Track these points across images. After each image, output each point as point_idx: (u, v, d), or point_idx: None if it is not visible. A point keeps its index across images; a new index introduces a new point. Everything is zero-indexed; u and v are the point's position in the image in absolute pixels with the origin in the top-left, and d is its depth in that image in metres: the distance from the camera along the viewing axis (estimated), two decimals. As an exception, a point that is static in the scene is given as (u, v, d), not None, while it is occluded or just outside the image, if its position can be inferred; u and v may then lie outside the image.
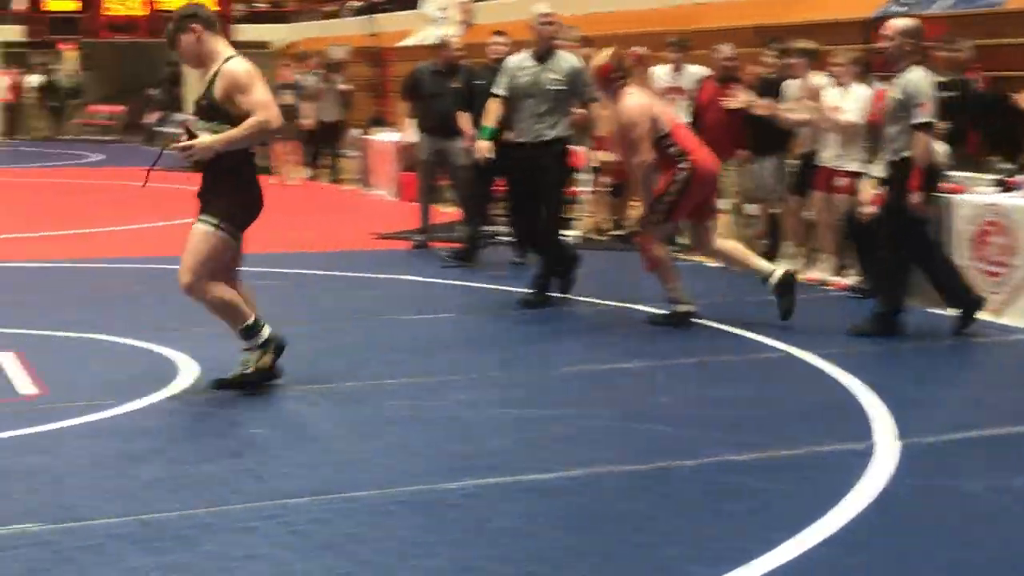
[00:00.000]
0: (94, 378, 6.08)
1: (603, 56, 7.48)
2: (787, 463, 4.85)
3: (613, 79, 7.39)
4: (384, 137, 16.14)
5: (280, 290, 8.75)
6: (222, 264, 5.74)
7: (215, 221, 5.65)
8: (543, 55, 7.98)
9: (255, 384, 5.78)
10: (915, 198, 6.87)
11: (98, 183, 18.06)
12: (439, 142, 10.36)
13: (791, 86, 9.13)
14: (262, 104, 5.55)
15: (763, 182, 9.56)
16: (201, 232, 5.66)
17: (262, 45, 29.59)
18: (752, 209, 10.00)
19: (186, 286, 5.68)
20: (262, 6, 31.59)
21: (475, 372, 6.38)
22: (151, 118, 27.56)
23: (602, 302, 8.18)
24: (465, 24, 20.05)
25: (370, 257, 10.20)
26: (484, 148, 8.02)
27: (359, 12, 26.72)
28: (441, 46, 10.75)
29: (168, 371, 6.21)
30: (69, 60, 30.83)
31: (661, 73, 10.80)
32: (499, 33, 10.21)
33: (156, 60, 31.57)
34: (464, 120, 9.84)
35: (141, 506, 4.27)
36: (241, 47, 23.03)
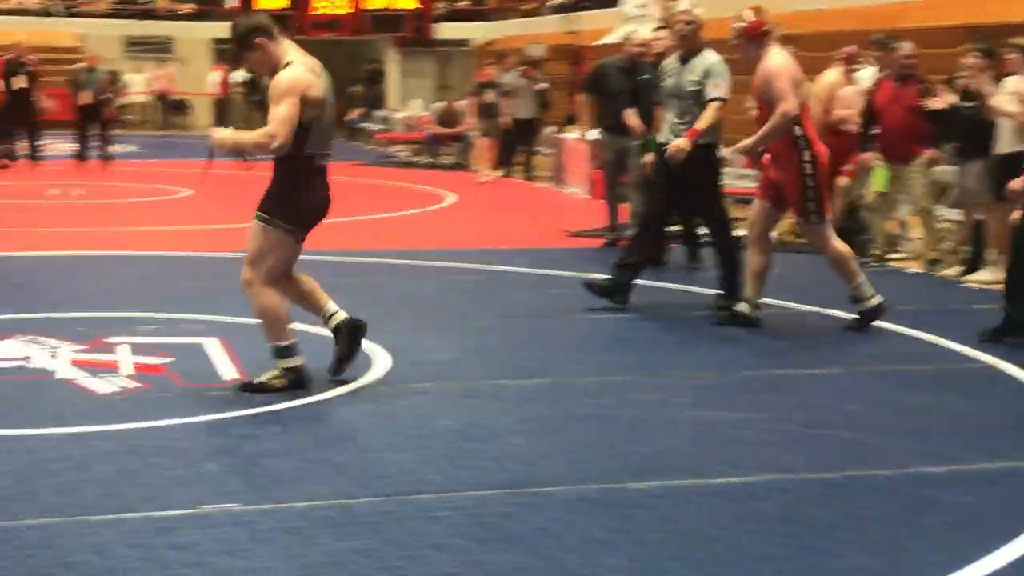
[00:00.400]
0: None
1: (751, 13, 7.35)
2: (984, 477, 4.69)
3: (763, 35, 7.22)
4: (575, 135, 16.21)
5: (472, 286, 8.89)
6: (282, 262, 5.76)
7: (266, 216, 5.67)
8: (685, 56, 7.86)
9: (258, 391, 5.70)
10: None
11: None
12: (621, 140, 10.29)
13: (1008, 82, 8.79)
14: (276, 119, 5.38)
15: (968, 186, 9.24)
16: (255, 227, 5.72)
17: (462, 43, 30.03)
18: (953, 214, 9.69)
19: (244, 279, 5.73)
20: (463, 4, 32.01)
21: (662, 372, 6.35)
22: (352, 115, 28.27)
23: (792, 305, 8.04)
24: (665, 21, 19.94)
25: (561, 254, 10.22)
26: (648, 160, 8.23)
27: (558, 10, 26.85)
28: (624, 41, 10.67)
29: (362, 362, 6.34)
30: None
31: (866, 76, 10.55)
32: (661, 28, 10.11)
33: (359, 57, 32.36)
34: (630, 117, 9.82)
35: (331, 491, 4.39)
36: (441, 45, 23.56)
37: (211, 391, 5.74)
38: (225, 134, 5.70)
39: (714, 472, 4.69)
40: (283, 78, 5.47)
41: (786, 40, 10.64)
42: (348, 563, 3.78)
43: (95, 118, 18.77)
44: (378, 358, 6.42)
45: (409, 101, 27.72)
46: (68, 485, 4.39)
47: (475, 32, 30.47)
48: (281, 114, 5.37)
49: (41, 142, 18.60)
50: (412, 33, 30.84)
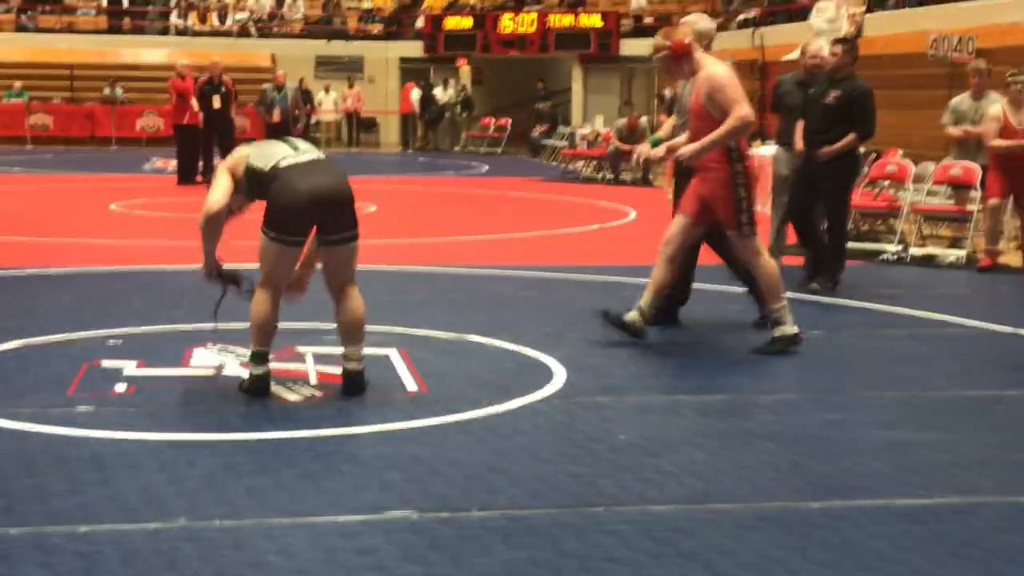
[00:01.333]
0: (470, 378, 6.35)
1: (663, 39, 7.14)
2: None
3: (688, 50, 7.07)
4: (764, 151, 16.01)
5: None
6: (279, 269, 5.80)
7: (263, 226, 5.77)
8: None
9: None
10: None
11: (480, 192, 18.85)
12: (798, 156, 10.12)
13: None
14: None
15: None
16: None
17: (647, 59, 30.02)
18: None
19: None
20: (648, 20, 31.99)
21: (844, 391, 6.23)
22: (537, 131, 28.52)
23: (979, 324, 7.79)
24: (854, 35, 19.56)
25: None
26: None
27: (744, 25, 26.61)
28: (801, 55, 10.47)
29: (540, 375, 6.40)
30: (463, 75, 32.35)
31: None
32: (839, 42, 9.90)
33: (545, 74, 32.63)
34: (797, 132, 9.67)
35: (507, 502, 4.43)
36: (627, 61, 23.60)
37: (393, 400, 5.86)
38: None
39: (897, 493, 4.58)
40: None
41: (979, 54, 10.38)
42: (522, 573, 3.81)
43: (285, 136, 19.38)
44: (556, 371, 6.46)
45: (593, 117, 27.83)
46: (256, 488, 4.54)
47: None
48: None
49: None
50: (597, 50, 30.96)
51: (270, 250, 5.78)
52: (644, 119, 20.85)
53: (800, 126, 9.60)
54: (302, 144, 6.04)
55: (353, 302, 5.91)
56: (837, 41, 9.47)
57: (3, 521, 4.13)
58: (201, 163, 19.01)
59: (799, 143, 9.58)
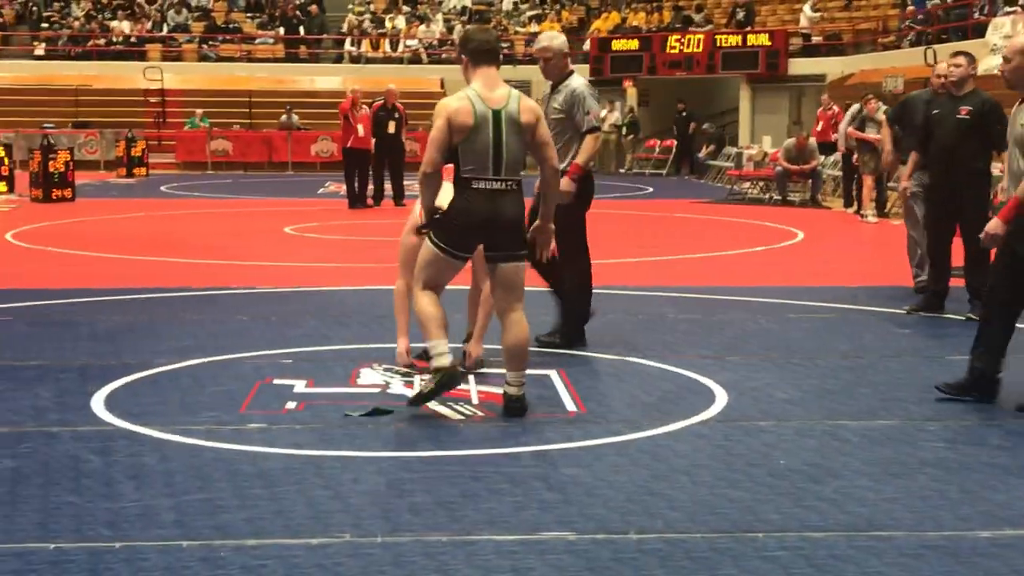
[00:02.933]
0: (630, 399, 6.35)
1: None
2: None
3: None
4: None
5: (817, 323, 8.73)
6: (438, 278, 6.02)
7: (428, 230, 6.01)
8: None
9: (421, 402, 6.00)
10: None
11: (644, 214, 18.81)
12: (924, 175, 9.80)
13: None
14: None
15: None
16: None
17: (817, 78, 29.55)
18: None
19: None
20: (817, 40, 31.53)
21: (1011, 418, 6.03)
22: (703, 152, 28.34)
23: None
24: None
25: (911, 293, 9.85)
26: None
27: (918, 42, 26.03)
28: (933, 74, 10.11)
29: (701, 398, 6.36)
30: (629, 97, 32.35)
31: None
32: (960, 53, 9.57)
33: (712, 95, 32.41)
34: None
35: (665, 525, 4.42)
36: (796, 80, 23.17)
37: (553, 421, 5.89)
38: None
39: (1071, 524, 4.42)
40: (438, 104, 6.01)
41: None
42: (679, 596, 3.80)
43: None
44: (717, 394, 6.41)
45: (760, 137, 27.53)
46: (417, 506, 4.62)
47: (830, 67, 29.90)
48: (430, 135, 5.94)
49: (406, 183, 19.64)
50: (765, 70, 30.63)
51: (435, 256, 6.02)
52: (813, 139, 20.52)
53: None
54: None
55: (516, 326, 5.96)
56: (957, 54, 9.16)
57: (175, 534, 4.29)
58: (372, 187, 19.42)
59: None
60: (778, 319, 8.88)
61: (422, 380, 6.17)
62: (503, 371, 6.09)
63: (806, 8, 31.79)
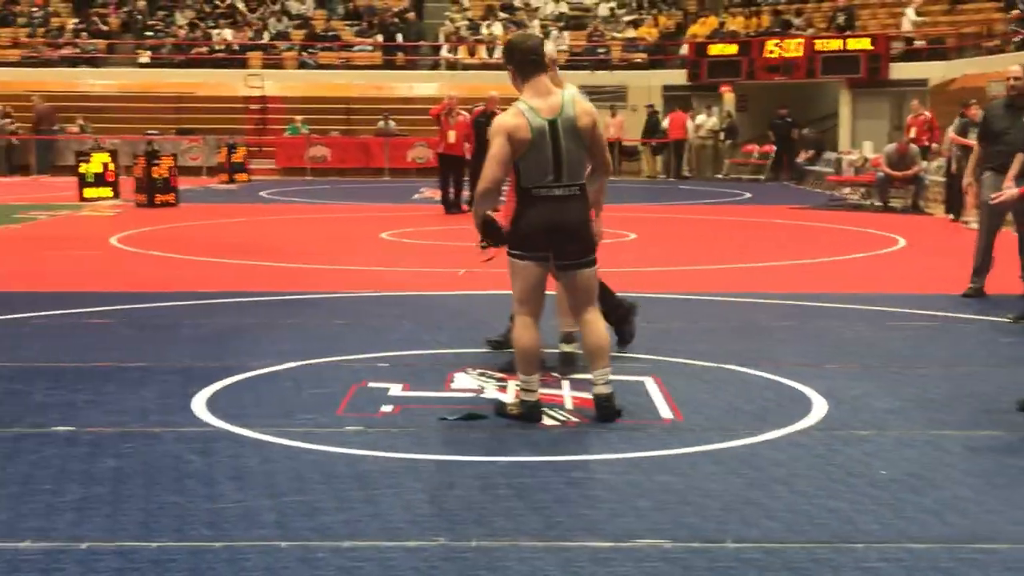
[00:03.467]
0: (726, 407, 6.30)
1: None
2: None
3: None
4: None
5: (918, 331, 8.59)
6: (527, 287, 5.93)
7: (487, 244, 6.07)
8: None
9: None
10: None
11: (742, 220, 18.65)
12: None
13: None
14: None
15: None
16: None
17: (919, 83, 29.10)
18: None
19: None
20: (919, 43, 31.04)
21: None
22: (803, 157, 28.03)
23: None
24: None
25: (1016, 302, 9.64)
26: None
27: (1022, 47, 25.50)
28: (1011, 77, 9.87)
29: (799, 406, 6.29)
30: (727, 102, 32.13)
31: None
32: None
33: (811, 100, 32.05)
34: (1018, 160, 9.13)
35: (762, 534, 4.38)
36: (898, 85, 22.82)
37: (648, 428, 5.87)
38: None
39: None
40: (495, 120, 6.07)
41: None
42: (776, 606, 3.76)
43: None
44: (815, 402, 6.34)
45: (860, 143, 27.17)
46: (512, 511, 4.63)
47: (932, 72, 29.42)
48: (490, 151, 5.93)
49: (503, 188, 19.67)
50: (866, 75, 30.23)
51: (515, 267, 6.00)
52: (915, 145, 20.20)
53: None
54: None
55: (593, 326, 6.02)
56: None
57: (274, 535, 4.35)
58: (468, 193, 19.48)
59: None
60: (878, 327, 8.75)
61: (517, 386, 6.19)
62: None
63: (909, 11, 31.31)
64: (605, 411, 5.97)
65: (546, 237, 5.90)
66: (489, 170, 5.90)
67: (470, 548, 4.23)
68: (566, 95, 5.95)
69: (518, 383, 6.13)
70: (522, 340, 5.97)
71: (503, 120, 5.94)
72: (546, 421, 5.99)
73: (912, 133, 21.82)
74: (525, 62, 5.99)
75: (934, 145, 21.54)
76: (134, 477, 5.03)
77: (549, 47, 7.29)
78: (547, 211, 5.89)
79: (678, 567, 4.06)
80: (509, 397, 6.42)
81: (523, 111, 5.89)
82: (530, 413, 5.99)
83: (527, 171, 5.90)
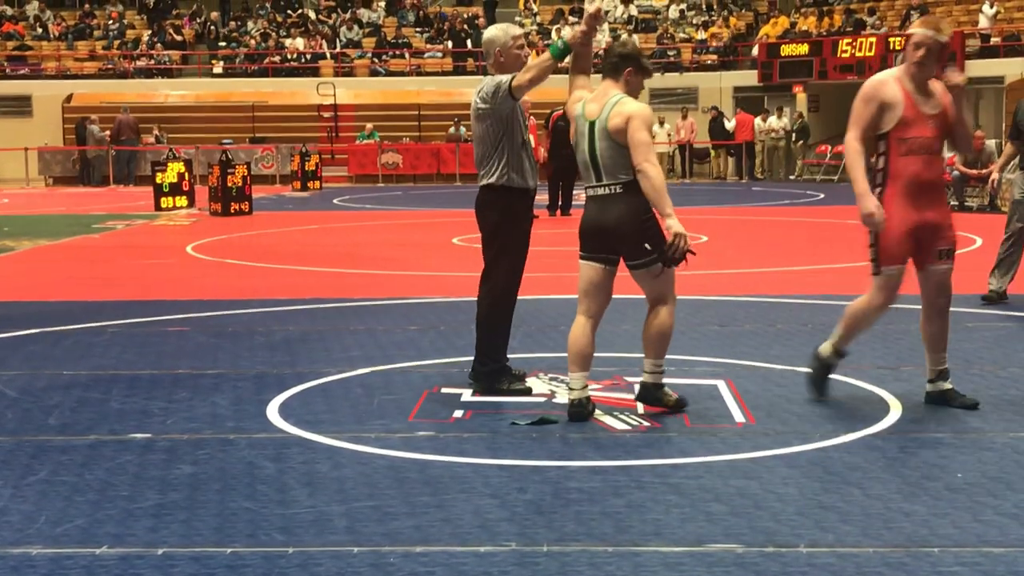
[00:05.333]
0: (800, 410, 6.24)
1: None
2: None
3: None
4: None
5: (997, 332, 8.46)
6: (586, 289, 6.12)
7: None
8: None
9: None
10: None
11: (815, 221, 18.47)
12: None
13: None
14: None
15: None
16: None
17: (997, 80, 28.64)
18: None
19: None
20: (996, 40, 30.55)
21: None
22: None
23: None
24: None
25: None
26: None
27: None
28: None
29: (874, 408, 6.22)
30: (799, 102, 31.84)
31: None
32: None
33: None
34: None
35: (836, 539, 4.33)
36: (972, 82, 22.49)
37: (720, 431, 5.83)
38: None
39: None
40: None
41: None
42: (851, 612, 3.71)
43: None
44: (891, 405, 6.26)
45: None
46: (583, 515, 4.62)
47: (1009, 68, 28.93)
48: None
49: (574, 193, 19.70)
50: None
51: (581, 269, 6.15)
52: (991, 143, 19.89)
53: None
54: None
55: (653, 317, 6.12)
56: None
57: (346, 540, 4.37)
58: (561, 198, 19.46)
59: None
60: (956, 328, 8.57)
61: (568, 388, 6.17)
62: (673, 380, 6.04)
63: (985, 7, 30.83)
64: (645, 398, 6.16)
65: (593, 236, 6.05)
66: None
67: (541, 553, 4.22)
68: (611, 99, 6.03)
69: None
70: (570, 337, 6.09)
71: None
72: (618, 426, 5.96)
73: None
74: (603, 66, 6.23)
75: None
76: (209, 483, 5.08)
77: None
78: (591, 209, 6.10)
79: (750, 572, 4.03)
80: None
81: (579, 111, 6.17)
82: (575, 414, 6.04)
83: (582, 172, 6.15)
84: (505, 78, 6.49)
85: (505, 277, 6.61)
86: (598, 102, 6.07)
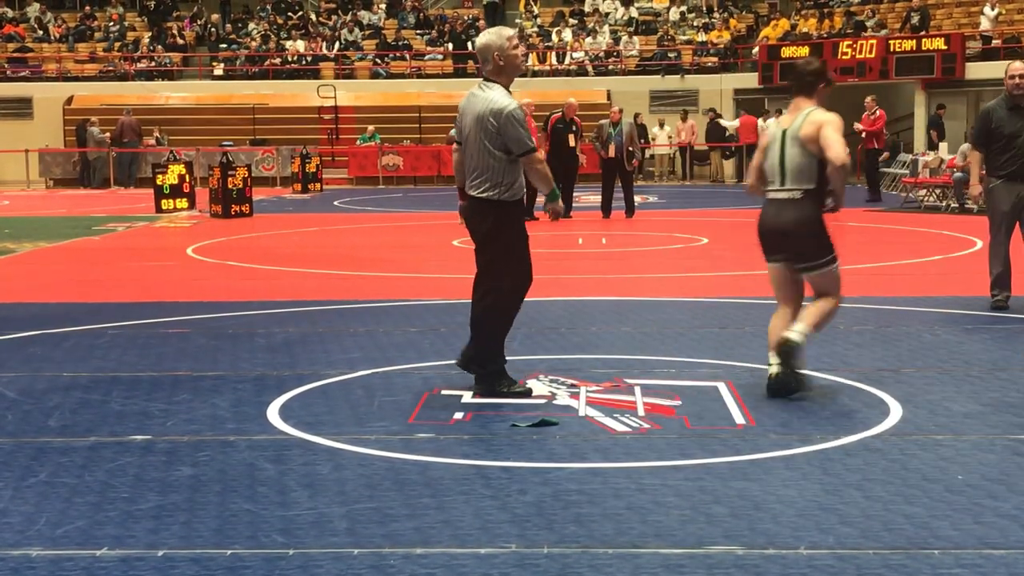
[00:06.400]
0: (801, 412, 6.24)
1: None
2: None
3: None
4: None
5: (999, 335, 8.45)
6: (777, 285, 6.77)
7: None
8: None
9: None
10: None
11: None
12: (1019, 187, 9.22)
13: None
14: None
15: None
16: None
17: (998, 82, 28.60)
18: None
19: None
20: (997, 42, 30.56)
21: None
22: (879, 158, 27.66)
23: None
24: None
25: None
26: None
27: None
28: (1007, 77, 9.48)
29: (874, 411, 6.22)
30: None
31: None
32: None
33: (885, 101, 31.64)
34: None
35: (836, 541, 4.32)
36: (973, 84, 22.56)
37: (720, 433, 5.83)
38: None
39: None
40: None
41: None
42: (851, 614, 3.71)
43: (620, 171, 19.55)
44: (891, 407, 6.26)
45: (937, 144, 26.78)
46: (583, 517, 4.62)
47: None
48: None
49: (574, 195, 19.72)
50: (941, 75, 29.82)
51: (769, 271, 6.85)
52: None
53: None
54: None
55: (826, 301, 6.69)
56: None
57: (347, 542, 4.37)
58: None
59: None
60: (956, 330, 8.62)
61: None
62: (672, 383, 6.03)
63: (986, 9, 30.84)
64: (783, 353, 6.47)
65: (768, 239, 6.70)
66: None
67: (541, 555, 4.22)
68: (806, 111, 6.59)
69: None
70: (771, 325, 6.69)
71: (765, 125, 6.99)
72: (618, 427, 5.97)
73: (863, 135, 22.00)
74: (794, 83, 6.77)
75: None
76: (209, 485, 5.08)
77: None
78: (769, 212, 6.70)
79: (750, 574, 4.03)
80: (581, 402, 6.42)
81: (774, 121, 6.68)
82: (769, 387, 6.48)
83: (767, 172, 6.70)
84: (523, 136, 6.48)
85: (511, 279, 6.59)
86: (791, 114, 6.65)
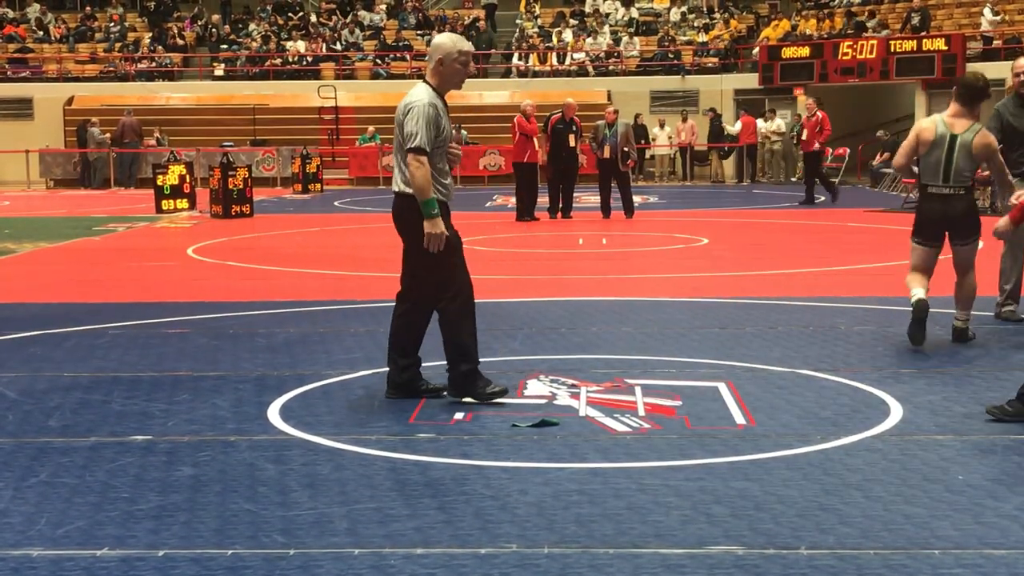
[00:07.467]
0: (801, 412, 6.24)
1: None
2: None
3: None
4: None
5: (1005, 334, 8.45)
6: (920, 264, 8.20)
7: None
8: None
9: None
10: None
11: (817, 224, 18.47)
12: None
13: None
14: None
15: None
16: None
17: (998, 83, 28.58)
18: None
19: None
20: (997, 43, 30.57)
21: None
22: (878, 160, 27.68)
23: None
24: None
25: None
26: None
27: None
28: (1013, 75, 9.37)
29: (875, 411, 6.22)
30: (800, 104, 31.83)
31: None
32: None
33: (886, 102, 31.65)
34: None
35: (837, 541, 4.32)
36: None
37: (721, 434, 5.83)
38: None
39: None
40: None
41: None
42: (851, 614, 3.71)
43: (616, 172, 19.53)
44: (892, 407, 6.26)
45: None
46: (584, 517, 4.62)
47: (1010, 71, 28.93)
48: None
49: (574, 195, 19.73)
50: (942, 75, 29.82)
51: (913, 249, 8.24)
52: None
53: None
54: None
55: (964, 281, 8.20)
56: None
57: (347, 542, 4.37)
58: (561, 200, 19.48)
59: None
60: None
61: (588, 390, 6.20)
62: (673, 383, 6.02)
63: (986, 10, 30.84)
64: (956, 338, 8.06)
65: (931, 225, 8.00)
66: (897, 158, 8.23)
67: (542, 555, 4.22)
68: (975, 126, 7.86)
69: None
70: (910, 275, 8.22)
71: (920, 121, 8.28)
72: (618, 427, 5.97)
73: (804, 136, 22.04)
74: (962, 94, 7.89)
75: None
76: (210, 485, 5.08)
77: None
78: (937, 205, 7.96)
79: (751, 574, 4.03)
80: (581, 403, 6.42)
81: (936, 119, 7.95)
82: (918, 311, 7.78)
83: (925, 168, 7.92)
84: (419, 132, 6.32)
85: (461, 275, 6.60)
86: (955, 118, 7.86)
